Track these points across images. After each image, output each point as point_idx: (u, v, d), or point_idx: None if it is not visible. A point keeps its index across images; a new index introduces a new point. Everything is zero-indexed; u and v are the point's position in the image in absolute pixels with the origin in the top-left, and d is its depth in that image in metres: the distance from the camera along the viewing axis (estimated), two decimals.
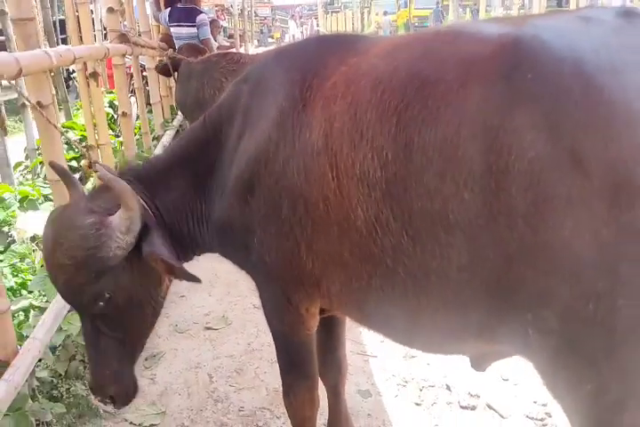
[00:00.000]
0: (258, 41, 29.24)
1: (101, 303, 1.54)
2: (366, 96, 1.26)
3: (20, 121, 6.92)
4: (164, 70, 5.21)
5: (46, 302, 2.74)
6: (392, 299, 1.34)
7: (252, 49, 14.84)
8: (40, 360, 2.32)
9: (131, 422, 2.37)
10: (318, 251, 1.41)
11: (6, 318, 2.01)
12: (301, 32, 29.29)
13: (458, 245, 1.14)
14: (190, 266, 4.05)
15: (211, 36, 5.91)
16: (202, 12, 5.86)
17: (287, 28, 20.27)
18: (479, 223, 1.10)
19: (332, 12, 27.08)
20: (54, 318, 2.30)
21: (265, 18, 34.35)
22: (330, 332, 2.01)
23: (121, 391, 1.75)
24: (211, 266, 3.95)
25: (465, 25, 1.38)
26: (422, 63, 1.23)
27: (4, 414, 1.80)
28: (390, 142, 1.20)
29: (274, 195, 1.43)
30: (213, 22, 9.53)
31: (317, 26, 23.79)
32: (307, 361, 1.76)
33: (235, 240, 1.62)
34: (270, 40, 28.58)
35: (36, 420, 1.96)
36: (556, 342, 1.11)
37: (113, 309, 1.58)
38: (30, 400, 2.01)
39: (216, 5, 25.87)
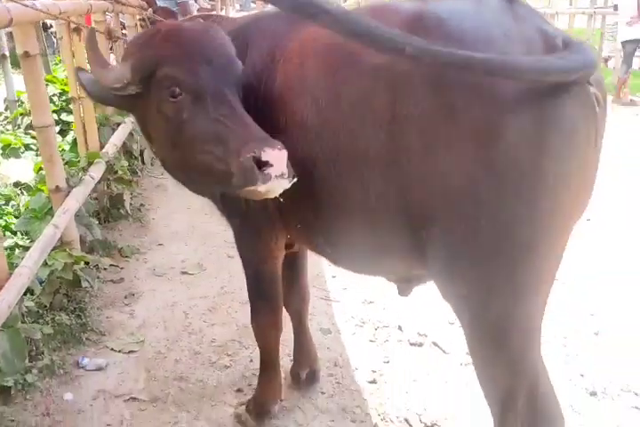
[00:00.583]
0: (240, 5, 28.52)
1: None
2: (310, 59, 1.52)
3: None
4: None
5: (30, 241, 2.92)
6: (326, 226, 1.62)
7: (233, 13, 14.62)
8: (26, 293, 2.51)
9: (112, 349, 2.61)
10: None
11: None
12: None
13: (374, 178, 1.40)
14: (169, 220, 4.25)
15: None
16: None
17: None
18: (389, 159, 1.36)
19: None
20: (40, 252, 2.48)
21: None
22: (293, 264, 2.26)
23: None
24: (188, 218, 4.19)
25: (394, 3, 1.61)
26: None
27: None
28: (324, 94, 1.46)
29: None
30: None
31: None
32: (272, 287, 2.00)
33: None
34: (253, 5, 27.92)
35: (26, 337, 2.17)
36: (443, 254, 1.38)
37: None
38: (20, 323, 2.22)
39: None
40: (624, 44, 8.42)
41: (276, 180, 1.41)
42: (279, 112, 1.57)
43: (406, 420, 2.31)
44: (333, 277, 3.42)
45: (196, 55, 1.53)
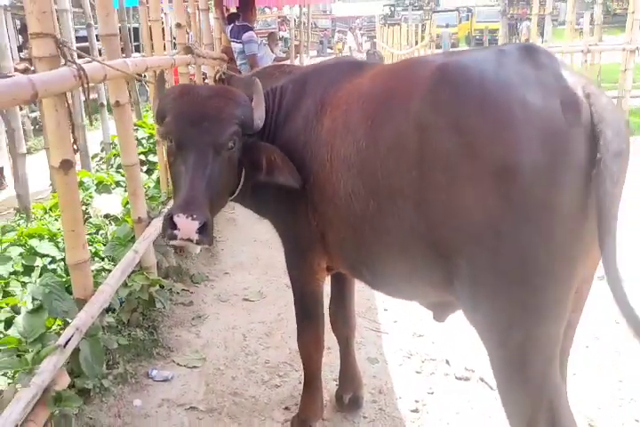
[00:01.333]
0: (317, 51, 30.03)
1: (228, 147, 1.84)
2: (354, 105, 1.76)
3: (97, 120, 7.79)
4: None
5: (114, 266, 3.32)
6: (363, 252, 1.80)
7: (308, 59, 15.45)
8: (108, 311, 2.87)
9: (178, 363, 2.90)
10: (320, 213, 1.90)
11: (86, 266, 2.56)
12: (360, 44, 29.89)
13: (407, 210, 1.56)
14: (237, 251, 4.58)
15: (257, 52, 6.47)
16: (250, 30, 6.43)
17: (345, 40, 20.86)
18: (419, 194, 1.51)
19: (389, 24, 27.64)
20: (121, 273, 2.84)
21: (325, 29, 35.28)
22: (340, 292, 2.47)
23: (211, 225, 1.74)
24: (254, 250, 4.51)
25: (423, 57, 1.87)
26: (389, 83, 1.70)
27: (82, 338, 2.33)
28: (364, 136, 1.66)
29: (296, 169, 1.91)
30: (271, 35, 10.22)
31: (375, 38, 24.36)
32: (315, 306, 2.21)
33: (269, 202, 2.10)
34: (330, 51, 29.32)
35: (105, 347, 2.50)
36: (468, 282, 1.49)
37: (223, 159, 1.83)
38: (100, 333, 2.55)
39: (279, 17, 26.87)
40: None
41: (183, 242, 1.70)
42: (325, 152, 1.82)
43: None
44: (385, 310, 3.56)
45: (188, 115, 1.83)
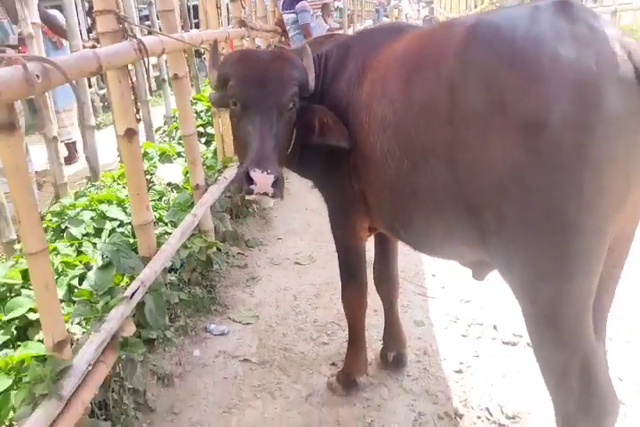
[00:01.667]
0: (373, 20, 29.28)
1: (288, 108, 1.94)
2: (390, 69, 1.80)
3: (160, 95, 8.07)
4: None
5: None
6: (399, 210, 1.86)
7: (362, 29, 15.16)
8: (171, 271, 3.09)
9: (233, 320, 3.10)
10: (360, 173, 1.97)
11: (150, 227, 2.76)
12: (417, 10, 28.87)
13: (440, 168, 1.60)
14: (289, 218, 4.73)
15: (310, 21, 6.48)
16: (302, 0, 6.42)
17: (401, 7, 20.24)
18: (452, 151, 1.55)
19: None
20: (181, 234, 3.04)
21: None
22: (383, 254, 2.56)
23: (280, 179, 1.82)
24: (305, 218, 4.64)
25: (460, 17, 1.83)
26: (423, 45, 1.74)
27: (146, 293, 2.54)
28: (399, 98, 1.71)
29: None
30: (325, 6, 10.10)
31: (433, 3, 23.46)
32: (357, 263, 2.31)
33: (312, 164, 2.18)
34: (386, 19, 28.49)
35: (167, 301, 2.71)
36: (498, 237, 1.52)
37: (284, 119, 1.93)
38: (163, 289, 2.76)
39: None
40: None
41: (259, 196, 1.78)
42: (364, 114, 1.88)
43: (487, 409, 2.43)
44: (433, 275, 3.60)
45: (252, 78, 1.92)
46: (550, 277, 1.47)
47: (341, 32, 9.85)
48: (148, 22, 7.57)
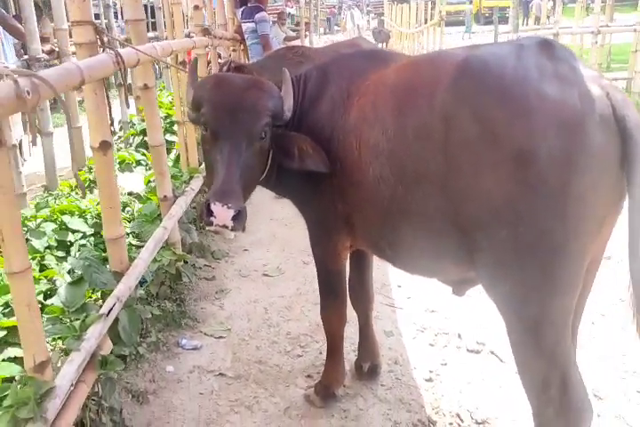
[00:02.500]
0: (324, 29, 29.61)
1: (260, 137, 1.93)
2: (381, 96, 1.86)
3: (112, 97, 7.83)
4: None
5: (141, 241, 3.47)
6: (389, 232, 1.92)
7: (317, 38, 15.35)
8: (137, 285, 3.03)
9: (205, 333, 3.08)
10: (347, 196, 2.01)
11: (122, 241, 2.70)
12: (367, 21, 29.47)
13: (433, 193, 1.69)
14: (254, 229, 4.71)
15: (269, 32, 6.54)
16: (262, 11, 6.52)
17: (353, 17, 20.59)
18: (445, 177, 1.64)
19: (398, 1, 27.26)
20: (153, 248, 2.99)
21: (333, 6, 34.74)
22: (359, 269, 2.61)
23: (244, 213, 1.86)
24: (270, 228, 4.66)
25: (446, 50, 1.95)
26: (415, 76, 1.81)
27: (120, 309, 2.49)
28: (392, 126, 1.78)
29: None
30: (280, 15, 10.22)
31: (383, 15, 24.02)
32: (338, 284, 2.35)
33: (294, 186, 2.21)
34: (337, 28, 28.90)
35: (139, 316, 2.66)
36: (488, 257, 1.62)
37: (255, 149, 1.92)
38: (135, 304, 2.71)
39: None
40: None
41: (218, 228, 1.80)
42: (353, 139, 1.93)
43: (458, 415, 2.54)
44: (399, 286, 3.71)
45: (224, 106, 1.90)
46: (536, 295, 1.59)
47: (298, 42, 9.94)
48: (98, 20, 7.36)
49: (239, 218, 1.81)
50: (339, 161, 1.98)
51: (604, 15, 9.77)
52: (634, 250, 1.55)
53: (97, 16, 7.94)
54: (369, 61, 2.08)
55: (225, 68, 5.18)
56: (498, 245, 1.58)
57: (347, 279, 2.47)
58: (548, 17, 11.75)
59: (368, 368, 2.73)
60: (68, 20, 3.61)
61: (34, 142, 3.89)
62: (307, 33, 12.03)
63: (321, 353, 2.91)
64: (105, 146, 2.52)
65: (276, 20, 9.97)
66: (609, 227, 1.65)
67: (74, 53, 4.20)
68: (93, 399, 2.14)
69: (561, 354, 1.65)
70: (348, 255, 2.35)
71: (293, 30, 11.73)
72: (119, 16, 11.57)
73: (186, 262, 3.49)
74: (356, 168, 1.92)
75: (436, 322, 3.27)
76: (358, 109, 1.94)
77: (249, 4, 6.71)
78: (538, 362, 1.66)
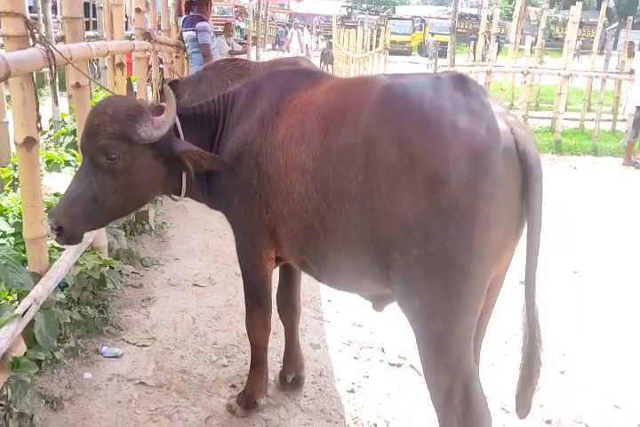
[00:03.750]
0: (272, 45, 29.86)
1: (106, 159, 1.99)
2: (309, 116, 1.93)
3: (42, 94, 7.50)
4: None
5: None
6: (311, 246, 1.97)
7: (264, 52, 15.44)
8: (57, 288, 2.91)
9: (127, 342, 2.98)
10: (272, 210, 2.05)
11: (43, 242, 2.61)
12: (316, 42, 30.08)
13: (355, 211, 1.75)
14: (187, 238, 4.64)
15: (209, 42, 6.55)
16: (204, 21, 6.52)
17: (301, 37, 20.97)
18: (365, 196, 1.71)
19: (346, 26, 28.07)
20: (76, 250, 2.89)
21: (284, 24, 35.21)
22: (287, 281, 2.65)
23: (71, 229, 2.04)
24: (204, 239, 4.61)
25: (373, 76, 2.06)
26: (342, 98, 1.90)
27: (37, 311, 2.39)
28: (318, 145, 1.85)
29: (250, 168, 2.07)
30: (227, 25, 10.26)
31: (331, 37, 24.62)
32: (263, 294, 2.37)
33: (222, 197, 2.23)
34: (284, 42, 29.18)
35: (57, 320, 2.56)
36: (401, 275, 1.71)
37: (108, 170, 2.01)
38: (54, 307, 2.61)
39: (235, 6, 26.48)
40: (638, 108, 8.50)
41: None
42: (280, 156, 1.97)
43: (375, 425, 2.61)
44: (329, 300, 3.77)
45: (83, 128, 2.09)
46: (443, 312, 1.69)
47: (244, 56, 9.99)
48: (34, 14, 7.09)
49: (61, 233, 2.03)
50: (266, 175, 2.03)
51: (535, 58, 10.53)
52: (530, 275, 1.70)
53: (32, 9, 7.67)
54: (300, 80, 2.15)
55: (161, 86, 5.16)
56: (410, 263, 1.67)
57: (274, 290, 2.50)
58: (483, 56, 12.52)
59: (292, 379, 2.75)
60: None
61: None
62: (253, 46, 12.10)
63: (246, 364, 2.89)
64: (30, 142, 2.45)
65: (222, 31, 10.01)
66: (510, 252, 1.78)
67: (2, 46, 4.04)
68: (1, 404, 2.03)
69: (464, 366, 1.76)
70: (274, 267, 2.37)
71: (241, 43, 11.78)
72: (58, 11, 11.15)
73: (112, 268, 3.39)
74: (282, 184, 1.97)
75: (362, 336, 3.35)
76: (286, 127, 1.99)
77: (191, 13, 6.71)
78: (443, 373, 1.77)
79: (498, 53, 12.38)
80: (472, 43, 22.40)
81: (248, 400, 2.52)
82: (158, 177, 2.15)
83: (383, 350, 3.23)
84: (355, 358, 3.15)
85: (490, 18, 11.16)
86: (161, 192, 2.35)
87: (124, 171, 2.04)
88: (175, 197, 2.33)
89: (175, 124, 2.13)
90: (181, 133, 2.15)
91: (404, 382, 2.93)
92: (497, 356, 3.13)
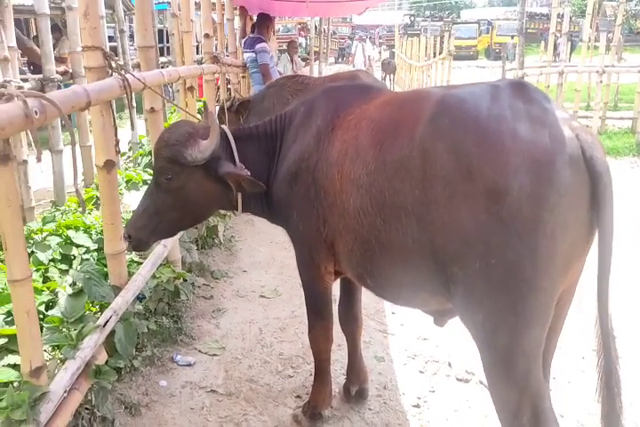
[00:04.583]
0: (335, 58, 30.22)
1: (163, 179, 2.21)
2: (364, 131, 1.96)
3: (123, 118, 8.05)
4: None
5: (142, 258, 3.56)
6: (367, 260, 1.98)
7: (326, 66, 15.63)
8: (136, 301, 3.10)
9: (199, 351, 3.13)
10: (329, 224, 2.09)
11: (122, 257, 2.80)
12: (379, 52, 30.14)
13: (411, 224, 1.75)
14: (254, 251, 4.80)
15: (268, 62, 6.75)
16: (263, 41, 6.75)
17: (364, 49, 21.11)
18: (422, 209, 1.70)
19: (409, 34, 27.91)
20: (152, 264, 3.08)
21: (346, 37, 35.63)
22: (348, 293, 2.68)
23: (138, 238, 2.30)
24: (270, 251, 4.74)
25: (425, 89, 2.06)
26: (396, 113, 1.91)
27: (117, 322, 2.57)
28: (373, 160, 1.86)
29: (307, 184, 2.12)
30: (291, 43, 10.54)
31: (394, 47, 24.58)
32: (324, 306, 2.41)
33: (281, 212, 2.31)
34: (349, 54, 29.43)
35: (135, 330, 2.73)
36: (462, 288, 1.68)
37: (166, 189, 2.23)
38: (132, 318, 2.78)
39: (299, 23, 27.14)
40: None
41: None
42: (336, 171, 2.01)
43: None
44: (393, 313, 3.75)
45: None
46: (507, 327, 1.64)
47: (306, 70, 10.18)
48: (113, 43, 7.65)
49: (132, 242, 2.32)
50: (322, 191, 2.08)
51: (611, 56, 9.96)
52: (602, 287, 1.62)
53: (111, 39, 8.28)
54: (355, 96, 2.18)
55: (228, 103, 5.39)
56: (471, 276, 1.64)
57: (335, 300, 2.53)
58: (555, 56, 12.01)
59: (356, 392, 2.76)
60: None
61: (38, 159, 4.04)
62: (316, 60, 12.31)
63: (311, 375, 2.94)
64: (109, 165, 2.65)
65: (287, 48, 10.28)
66: (580, 262, 1.71)
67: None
68: (87, 408, 2.20)
69: (532, 383, 1.69)
70: (334, 280, 2.40)
71: (304, 60, 12.03)
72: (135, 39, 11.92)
73: (185, 280, 3.57)
74: (338, 199, 2.00)
75: (427, 350, 3.31)
76: (341, 143, 2.04)
77: (250, 36, 6.99)
78: (510, 390, 1.71)
79: (571, 53, 11.84)
80: (543, 43, 21.54)
81: (313, 411, 2.57)
82: (212, 195, 2.29)
83: (450, 364, 3.17)
84: (420, 371, 3.11)
85: (560, 16, 10.73)
86: (218, 208, 2.55)
87: (179, 189, 2.23)
88: (236, 212, 2.44)
89: (230, 146, 2.26)
90: (236, 155, 2.26)
91: (473, 399, 2.86)
92: (573, 372, 2.99)
